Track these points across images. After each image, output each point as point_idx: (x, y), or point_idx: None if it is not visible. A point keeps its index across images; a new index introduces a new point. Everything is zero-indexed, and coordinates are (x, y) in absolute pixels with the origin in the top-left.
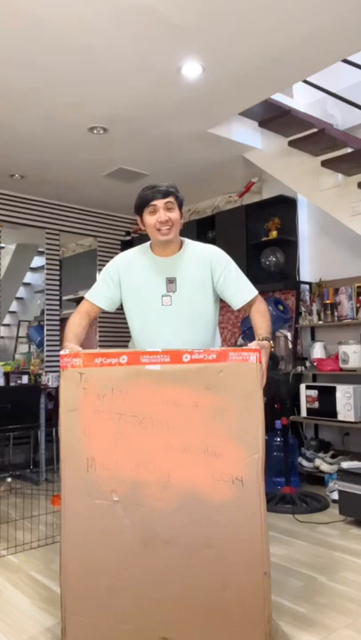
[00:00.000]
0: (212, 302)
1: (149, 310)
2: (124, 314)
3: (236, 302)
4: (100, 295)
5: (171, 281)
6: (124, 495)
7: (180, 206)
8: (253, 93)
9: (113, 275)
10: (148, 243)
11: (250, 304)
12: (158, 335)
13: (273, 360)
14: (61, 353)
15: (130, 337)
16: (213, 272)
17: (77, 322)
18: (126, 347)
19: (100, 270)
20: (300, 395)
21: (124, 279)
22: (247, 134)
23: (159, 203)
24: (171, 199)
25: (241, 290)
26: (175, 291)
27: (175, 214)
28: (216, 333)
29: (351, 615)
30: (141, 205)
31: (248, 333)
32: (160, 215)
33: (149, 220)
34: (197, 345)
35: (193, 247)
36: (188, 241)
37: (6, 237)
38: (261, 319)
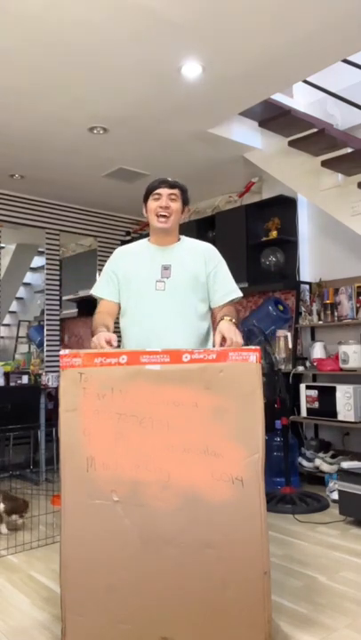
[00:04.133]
0: (205, 294)
1: (142, 295)
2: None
3: (216, 300)
4: (105, 289)
5: (166, 268)
6: (124, 495)
7: (185, 203)
8: (253, 93)
9: (113, 267)
10: (147, 238)
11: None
12: (150, 321)
13: (270, 361)
14: (61, 353)
15: None
16: (207, 264)
17: (101, 317)
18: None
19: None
20: (300, 395)
21: (121, 269)
22: (247, 134)
23: (164, 191)
24: (175, 191)
25: (225, 290)
26: (169, 277)
27: (176, 205)
28: (210, 330)
29: (351, 615)
30: (147, 192)
31: (248, 333)
32: (162, 201)
33: (152, 204)
34: (188, 334)
35: (190, 241)
36: (185, 237)
37: (6, 237)
38: (231, 307)
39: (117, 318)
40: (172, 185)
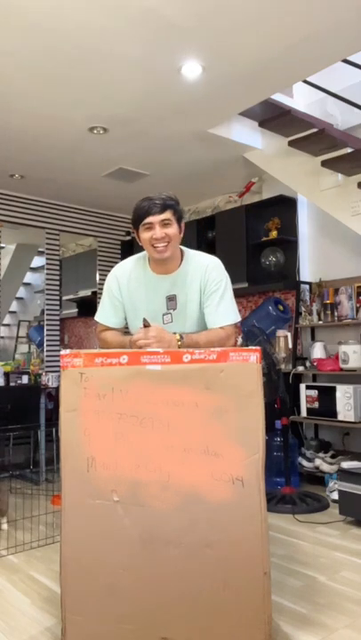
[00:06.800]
0: None
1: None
2: None
3: (207, 324)
4: (112, 318)
5: (171, 299)
6: (124, 495)
7: (180, 220)
8: (253, 93)
9: (116, 294)
10: (146, 257)
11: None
12: None
13: (271, 361)
14: (62, 353)
15: None
16: (205, 285)
17: (115, 334)
18: None
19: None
20: (300, 395)
21: (125, 298)
22: (247, 134)
23: (155, 219)
24: (167, 215)
25: (216, 314)
26: (175, 308)
27: (172, 230)
28: None
29: (351, 615)
30: (137, 220)
31: (248, 334)
32: (155, 232)
33: (144, 235)
34: None
35: (193, 260)
36: (188, 253)
37: (6, 237)
38: (209, 333)
39: None
40: (162, 208)
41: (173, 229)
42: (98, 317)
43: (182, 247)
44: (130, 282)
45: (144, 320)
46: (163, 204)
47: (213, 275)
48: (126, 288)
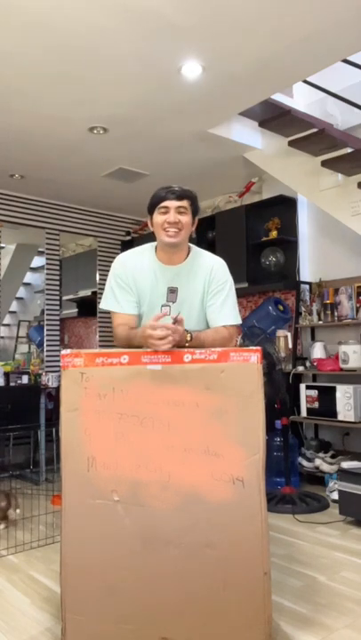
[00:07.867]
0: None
1: (147, 319)
2: None
3: (210, 323)
4: (125, 303)
5: (172, 291)
6: (124, 495)
7: (195, 214)
8: (253, 93)
9: (126, 279)
10: (153, 245)
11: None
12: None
13: (271, 360)
14: (62, 352)
15: None
16: (210, 283)
17: (125, 329)
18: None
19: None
20: (300, 395)
21: (131, 280)
22: (247, 134)
23: (171, 204)
24: (184, 203)
25: (220, 314)
26: (175, 301)
27: (186, 218)
28: None
29: (351, 615)
30: (153, 204)
31: (248, 333)
32: (170, 216)
33: (158, 218)
34: None
35: (199, 257)
36: (195, 250)
37: (6, 237)
38: (214, 333)
39: None
40: (180, 196)
41: (187, 218)
42: (110, 306)
43: (190, 244)
44: (135, 267)
45: (177, 315)
46: (181, 192)
47: (219, 275)
48: (132, 273)
